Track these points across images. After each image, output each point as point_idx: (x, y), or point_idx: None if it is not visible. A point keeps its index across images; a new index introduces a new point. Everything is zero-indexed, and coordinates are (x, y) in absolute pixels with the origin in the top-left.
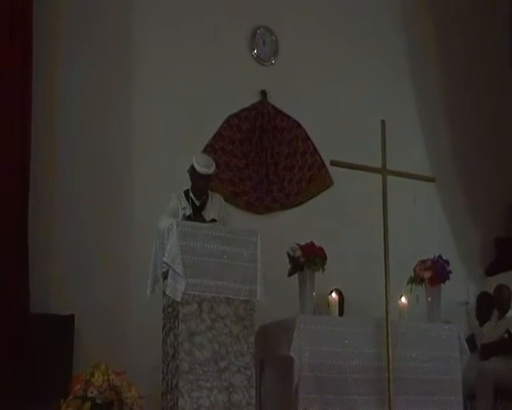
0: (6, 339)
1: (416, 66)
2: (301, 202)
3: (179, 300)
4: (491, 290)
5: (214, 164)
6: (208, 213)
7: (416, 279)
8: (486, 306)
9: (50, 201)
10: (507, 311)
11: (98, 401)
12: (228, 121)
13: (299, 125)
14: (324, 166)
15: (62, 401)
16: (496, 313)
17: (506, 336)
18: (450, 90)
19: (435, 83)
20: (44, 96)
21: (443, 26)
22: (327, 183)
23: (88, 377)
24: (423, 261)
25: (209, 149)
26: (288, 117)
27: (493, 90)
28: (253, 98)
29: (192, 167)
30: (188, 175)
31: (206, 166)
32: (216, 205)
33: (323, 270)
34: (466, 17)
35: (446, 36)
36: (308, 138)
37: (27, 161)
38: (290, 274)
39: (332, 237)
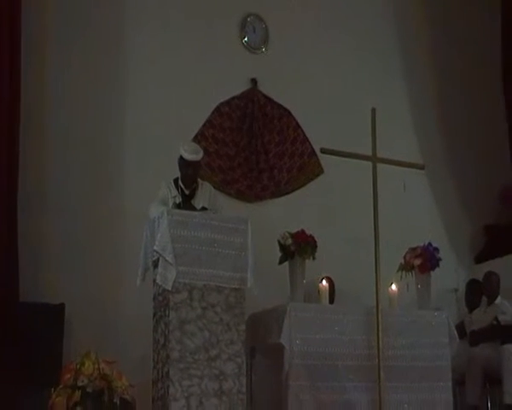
0: None
1: (408, 54)
2: (292, 190)
3: (170, 288)
4: (480, 277)
5: (202, 151)
6: (198, 202)
7: (406, 267)
8: (475, 293)
9: (40, 189)
10: (496, 298)
11: (88, 389)
12: (218, 109)
13: (290, 113)
14: (315, 154)
15: (52, 390)
16: (485, 299)
17: (495, 322)
18: (441, 78)
19: (426, 71)
20: (34, 85)
21: (434, 16)
22: (317, 171)
23: (78, 366)
24: (413, 249)
25: (199, 137)
26: (279, 105)
27: (484, 78)
28: (243, 86)
29: (180, 156)
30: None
31: (193, 152)
32: (206, 193)
33: (314, 258)
34: (457, 8)
35: (438, 26)
36: (298, 126)
37: (17, 148)
38: (281, 262)
39: (322, 225)
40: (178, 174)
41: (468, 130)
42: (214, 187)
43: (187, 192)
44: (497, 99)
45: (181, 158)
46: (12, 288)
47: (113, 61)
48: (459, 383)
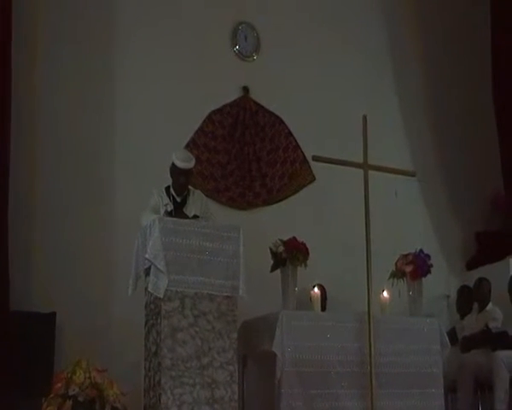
0: None
1: (399, 61)
2: (284, 198)
3: (161, 296)
4: (471, 284)
5: (194, 158)
6: (190, 210)
7: (397, 273)
8: (467, 299)
9: (31, 197)
10: (487, 304)
11: (80, 398)
12: (210, 117)
13: (282, 120)
14: (306, 161)
15: (43, 399)
16: (476, 306)
17: (485, 329)
18: (432, 85)
19: (417, 78)
20: (24, 93)
21: (425, 21)
22: (309, 178)
23: (69, 375)
24: (405, 256)
25: (191, 145)
26: (270, 113)
27: (475, 85)
28: (235, 94)
29: (172, 164)
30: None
31: (185, 160)
32: (197, 201)
33: (306, 265)
34: (448, 12)
35: (429, 32)
36: (290, 134)
37: (7, 157)
38: (273, 270)
39: (314, 233)
40: (170, 182)
41: (459, 137)
42: (206, 195)
43: (178, 200)
44: (488, 106)
45: (173, 165)
46: (3, 297)
47: (105, 68)
48: (451, 389)
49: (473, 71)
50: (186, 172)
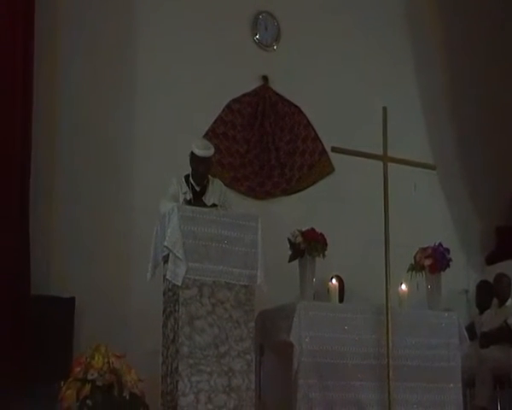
0: (7, 320)
1: (419, 53)
2: (302, 188)
3: (179, 284)
4: (491, 279)
5: (213, 147)
6: (209, 199)
7: (416, 267)
8: (486, 294)
9: (51, 183)
10: (506, 300)
11: (98, 383)
12: (229, 106)
13: (301, 111)
14: (325, 152)
15: (62, 382)
16: (495, 301)
17: (504, 325)
18: (453, 77)
19: (438, 70)
20: (45, 76)
21: (446, 12)
22: (328, 169)
23: (88, 359)
24: (424, 249)
25: (210, 134)
26: (290, 103)
27: (497, 78)
28: (254, 83)
29: (191, 152)
30: (188, 158)
31: (205, 148)
32: (216, 190)
33: (324, 256)
34: (469, 2)
35: (451, 23)
36: (309, 124)
37: (29, 143)
38: (291, 260)
39: (332, 224)
40: (189, 171)
41: (480, 130)
42: (225, 184)
43: (198, 189)
44: (510, 99)
45: (192, 154)
46: (24, 281)
47: (125, 59)
48: (469, 384)
49: (494, 63)
50: (205, 161)
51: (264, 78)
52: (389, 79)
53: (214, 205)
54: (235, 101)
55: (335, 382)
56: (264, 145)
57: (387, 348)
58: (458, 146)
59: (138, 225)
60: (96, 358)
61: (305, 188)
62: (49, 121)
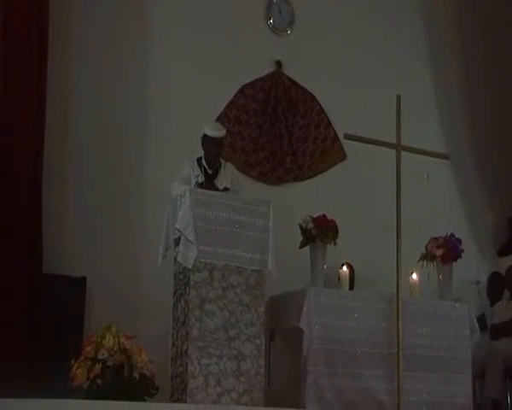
0: (19, 298)
1: (434, 41)
2: (314, 175)
3: (190, 267)
4: (502, 271)
5: (224, 129)
6: (221, 182)
7: (427, 256)
8: (498, 286)
9: (64, 163)
10: None
11: (109, 363)
12: (242, 91)
13: (314, 97)
14: (338, 139)
15: (73, 361)
16: (507, 293)
17: None
18: (467, 66)
19: (452, 59)
20: (58, 62)
21: (461, 2)
22: (340, 156)
23: (99, 339)
24: (435, 239)
25: (223, 118)
26: (303, 89)
27: (511, 67)
28: (268, 68)
29: (203, 134)
30: (200, 142)
31: (216, 129)
32: (228, 174)
33: (335, 243)
34: None
35: (466, 11)
36: (322, 111)
37: (42, 123)
38: (302, 246)
39: (344, 211)
40: (201, 154)
41: (494, 120)
42: (237, 168)
43: (210, 172)
44: None
45: (204, 135)
46: (36, 259)
47: (140, 40)
48: (479, 376)
49: (508, 53)
50: (217, 142)
51: (278, 63)
52: (403, 66)
53: (226, 189)
54: (247, 85)
55: (345, 369)
56: (276, 131)
57: (397, 337)
58: (472, 136)
59: (150, 207)
60: (107, 338)
61: (317, 174)
62: (63, 108)
